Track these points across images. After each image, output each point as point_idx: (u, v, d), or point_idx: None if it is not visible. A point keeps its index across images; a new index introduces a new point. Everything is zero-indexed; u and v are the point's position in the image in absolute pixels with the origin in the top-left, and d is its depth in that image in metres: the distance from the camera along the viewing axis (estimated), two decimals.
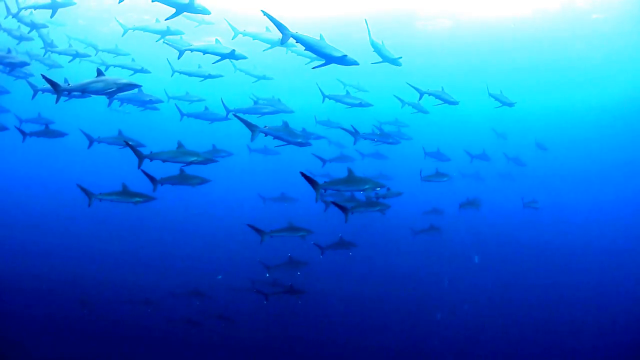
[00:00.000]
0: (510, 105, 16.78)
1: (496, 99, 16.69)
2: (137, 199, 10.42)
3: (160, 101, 16.36)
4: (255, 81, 18.47)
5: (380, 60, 14.47)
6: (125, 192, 10.45)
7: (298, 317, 13.87)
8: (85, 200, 10.23)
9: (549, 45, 31.66)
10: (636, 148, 38.12)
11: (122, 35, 17.33)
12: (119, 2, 13.96)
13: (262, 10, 10.62)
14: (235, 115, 9.94)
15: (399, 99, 16.93)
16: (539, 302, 16.09)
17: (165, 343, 12.49)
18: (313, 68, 12.40)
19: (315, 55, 13.10)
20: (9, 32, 16.79)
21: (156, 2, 12.42)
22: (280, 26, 10.86)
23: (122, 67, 17.77)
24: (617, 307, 15.59)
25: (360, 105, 15.79)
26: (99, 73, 9.72)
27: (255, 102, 15.36)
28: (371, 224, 16.43)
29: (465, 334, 13.80)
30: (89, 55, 18.29)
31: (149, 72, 17.30)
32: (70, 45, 17.94)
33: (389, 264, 18.78)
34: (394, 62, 14.39)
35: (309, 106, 21.76)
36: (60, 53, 17.37)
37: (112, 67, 18.03)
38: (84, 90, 9.56)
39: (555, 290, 16.93)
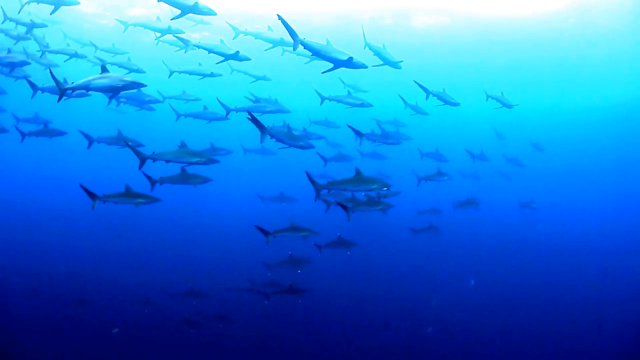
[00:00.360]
0: (510, 107, 16.85)
1: (497, 101, 16.74)
2: (141, 200, 10.17)
3: (159, 101, 16.40)
4: (254, 81, 18.44)
5: (381, 63, 14.50)
6: (129, 193, 10.20)
7: (298, 316, 13.85)
8: (84, 200, 10.09)
9: (548, 43, 31.60)
10: (634, 148, 38.27)
11: (124, 31, 17.37)
12: None
13: (278, 15, 10.70)
14: (250, 114, 9.78)
15: (403, 100, 16.96)
16: (539, 301, 16.11)
17: (165, 344, 12.39)
18: (322, 73, 12.44)
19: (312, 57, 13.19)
20: (5, 32, 16.82)
21: (161, 3, 12.46)
22: (292, 32, 10.98)
23: (119, 65, 17.75)
24: (616, 306, 15.66)
25: (362, 105, 15.86)
26: (104, 70, 9.64)
27: (257, 101, 15.37)
28: (370, 223, 16.46)
29: (465, 332, 13.81)
30: (86, 56, 18.29)
31: (144, 72, 17.28)
32: (68, 45, 17.92)
33: (387, 262, 18.79)
34: (395, 65, 14.44)
35: (308, 105, 21.77)
36: (58, 52, 17.34)
37: (110, 65, 17.97)
38: (88, 88, 9.51)
39: (557, 290, 16.97)
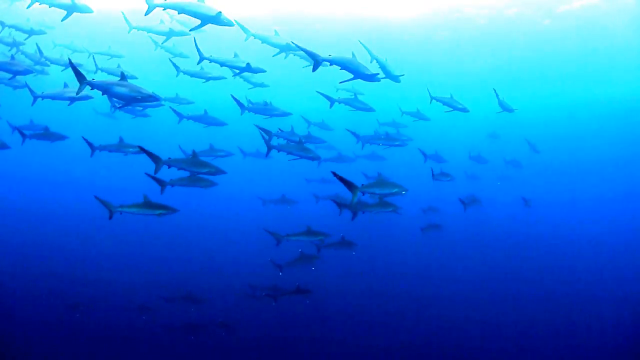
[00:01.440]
0: (511, 111, 16.95)
1: (500, 105, 16.81)
2: (161, 211, 9.79)
3: (160, 105, 16.32)
4: (251, 88, 18.40)
5: (384, 76, 14.66)
6: (147, 204, 9.82)
7: (302, 318, 13.77)
8: (81, 203, 9.98)
9: (544, 39, 31.54)
10: (633, 145, 38.52)
11: (129, 32, 17.24)
12: (145, 15, 13.29)
13: (292, 42, 11.61)
14: (262, 131, 9.93)
15: (400, 108, 17.62)
16: (544, 299, 16.18)
17: (164, 351, 12.26)
18: (340, 83, 13.06)
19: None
20: (0, 40, 16.79)
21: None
22: (310, 54, 11.42)
23: (108, 72, 17.67)
24: (619, 302, 15.78)
25: (371, 109, 16.23)
26: (123, 77, 9.54)
27: (265, 104, 15.59)
28: (372, 222, 16.51)
29: (470, 331, 13.86)
30: (81, 65, 18.19)
31: (136, 78, 17.16)
32: (62, 55, 17.91)
33: (390, 260, 18.84)
34: (395, 79, 14.64)
35: (299, 107, 21.83)
36: (53, 62, 17.25)
37: (101, 71, 17.86)
38: (107, 91, 9.43)
39: (564, 289, 17.01)
